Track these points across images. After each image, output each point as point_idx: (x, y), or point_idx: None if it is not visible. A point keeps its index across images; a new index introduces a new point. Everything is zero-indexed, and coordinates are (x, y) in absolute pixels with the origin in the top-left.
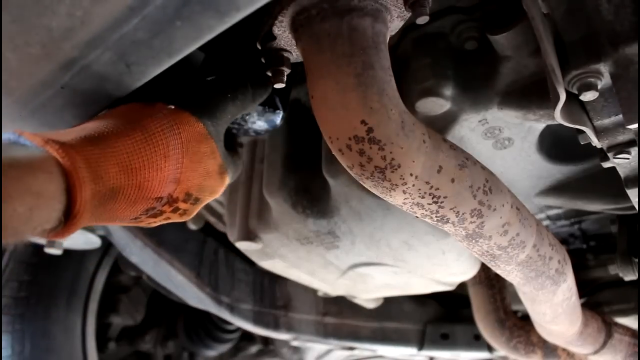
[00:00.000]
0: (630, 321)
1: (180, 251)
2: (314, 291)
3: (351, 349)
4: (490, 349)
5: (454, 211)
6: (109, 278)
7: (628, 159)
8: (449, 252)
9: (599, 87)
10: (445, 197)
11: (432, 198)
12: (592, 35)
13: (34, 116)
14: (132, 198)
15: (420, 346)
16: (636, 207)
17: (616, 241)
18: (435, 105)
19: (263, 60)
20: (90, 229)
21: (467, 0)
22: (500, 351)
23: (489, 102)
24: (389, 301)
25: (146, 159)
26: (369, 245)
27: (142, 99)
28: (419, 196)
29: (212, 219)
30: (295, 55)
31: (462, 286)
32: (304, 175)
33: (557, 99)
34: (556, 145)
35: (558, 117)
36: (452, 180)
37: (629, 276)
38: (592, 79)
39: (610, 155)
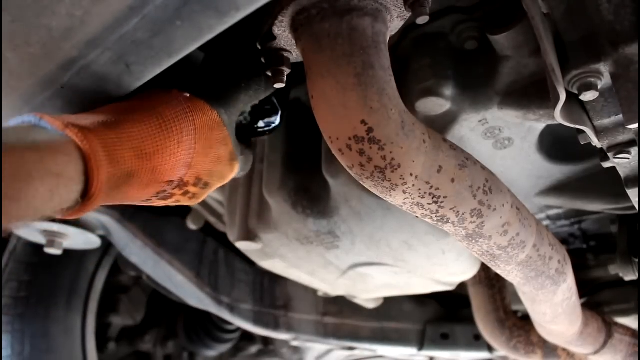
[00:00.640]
0: (630, 321)
1: (180, 251)
2: (314, 291)
3: (351, 349)
4: (490, 349)
5: (454, 211)
6: (109, 278)
7: (628, 158)
8: (449, 252)
9: (599, 87)
10: (445, 197)
11: (432, 198)
12: (592, 35)
13: None
14: (145, 181)
15: (420, 346)
16: (636, 207)
17: (616, 241)
18: (435, 105)
19: (263, 60)
20: (90, 229)
21: (467, 0)
22: (500, 351)
23: (489, 102)
24: (389, 301)
25: (160, 145)
26: (369, 245)
27: (159, 86)
28: (419, 196)
29: (212, 219)
30: (295, 55)
31: (462, 286)
32: (304, 175)
33: (557, 98)
34: (556, 145)
35: (558, 117)
36: (452, 180)
37: (629, 276)
38: (592, 79)
39: (610, 155)
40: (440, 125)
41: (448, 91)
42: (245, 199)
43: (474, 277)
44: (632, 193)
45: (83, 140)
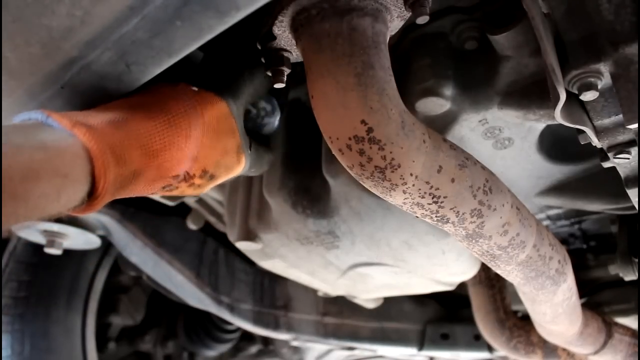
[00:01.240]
0: (630, 321)
1: (180, 251)
2: (314, 291)
3: (351, 349)
4: (490, 349)
5: (454, 211)
6: (109, 278)
7: (628, 158)
8: (449, 252)
9: (599, 87)
10: (445, 197)
11: (432, 198)
12: (592, 35)
13: None
14: (151, 178)
15: (420, 346)
16: (636, 207)
17: (616, 241)
18: (435, 105)
19: (263, 60)
20: (91, 229)
21: (467, 0)
22: (500, 351)
23: (489, 102)
24: (389, 301)
25: (168, 141)
26: (369, 245)
27: (165, 80)
28: (419, 196)
29: (212, 219)
30: (295, 55)
31: (462, 286)
32: (304, 175)
33: (557, 98)
34: (556, 145)
35: (558, 117)
36: (452, 180)
37: (629, 276)
38: (592, 79)
39: (610, 155)
40: (440, 125)
41: (448, 91)
42: (245, 199)
43: (474, 277)
44: (632, 193)
45: (91, 141)
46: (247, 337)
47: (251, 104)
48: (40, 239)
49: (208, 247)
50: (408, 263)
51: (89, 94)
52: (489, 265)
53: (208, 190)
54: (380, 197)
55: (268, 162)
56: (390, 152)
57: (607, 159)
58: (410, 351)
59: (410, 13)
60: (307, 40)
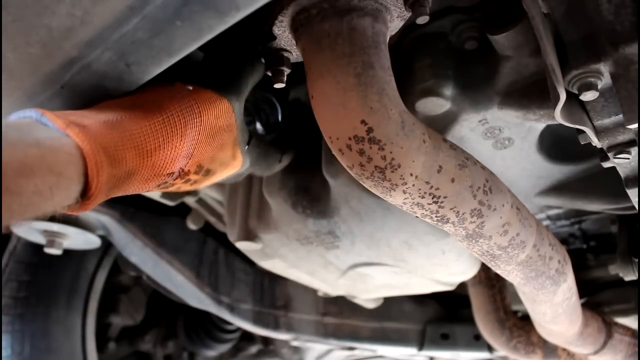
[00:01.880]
0: (630, 321)
1: (180, 251)
2: (314, 291)
3: (351, 349)
4: (490, 349)
5: (454, 211)
6: (108, 278)
7: (628, 158)
8: (449, 252)
9: (599, 87)
10: (445, 197)
11: (432, 198)
12: (592, 35)
13: None
14: (145, 177)
15: (420, 346)
16: (636, 207)
17: (616, 241)
18: (435, 105)
19: (263, 60)
20: (90, 229)
21: (467, 0)
22: (500, 351)
23: (489, 102)
24: (389, 301)
25: (163, 140)
26: (369, 245)
27: (162, 79)
28: (419, 196)
29: (212, 219)
30: (295, 55)
31: (462, 286)
32: (304, 175)
33: (557, 98)
34: (556, 145)
35: (558, 117)
36: (452, 180)
37: (629, 276)
38: (592, 79)
39: (610, 155)
40: (440, 125)
41: (448, 91)
42: (245, 199)
43: (474, 277)
44: (632, 193)
45: (84, 141)
46: (247, 337)
47: (251, 104)
48: (40, 239)
49: (208, 247)
50: (408, 263)
51: (89, 94)
52: (489, 265)
53: (207, 186)
54: (380, 197)
55: (279, 162)
56: (390, 152)
57: (607, 159)
58: (410, 351)
59: (410, 13)
60: (307, 40)
